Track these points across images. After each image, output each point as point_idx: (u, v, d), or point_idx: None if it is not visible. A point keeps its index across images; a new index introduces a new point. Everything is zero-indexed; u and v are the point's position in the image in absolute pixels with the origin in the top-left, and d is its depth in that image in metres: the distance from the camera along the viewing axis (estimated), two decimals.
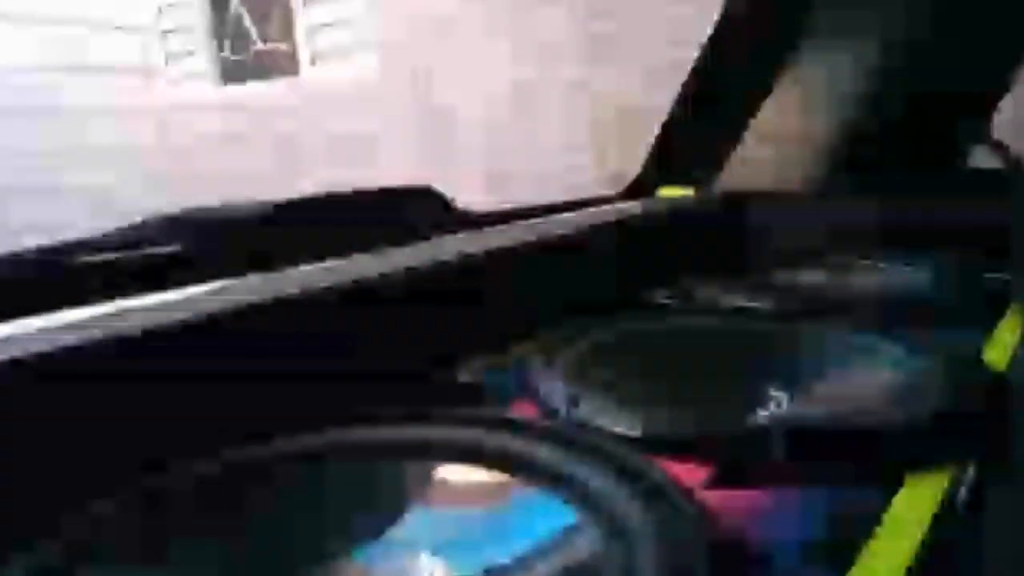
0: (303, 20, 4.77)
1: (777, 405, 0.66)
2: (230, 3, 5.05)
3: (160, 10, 5.26)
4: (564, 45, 3.81)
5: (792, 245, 1.22)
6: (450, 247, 0.84)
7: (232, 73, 5.13)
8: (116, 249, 0.68)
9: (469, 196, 1.08)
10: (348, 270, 0.72)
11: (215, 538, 0.47)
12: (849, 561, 0.41)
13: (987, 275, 0.95)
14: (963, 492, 0.48)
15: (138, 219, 0.76)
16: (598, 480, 0.46)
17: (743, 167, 1.38)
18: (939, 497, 0.47)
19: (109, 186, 4.51)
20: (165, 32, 5.27)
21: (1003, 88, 1.35)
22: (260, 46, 5.01)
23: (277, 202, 0.82)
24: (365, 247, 0.79)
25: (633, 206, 1.27)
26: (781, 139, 1.39)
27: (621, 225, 1.11)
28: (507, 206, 1.14)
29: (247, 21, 5.03)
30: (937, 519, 0.45)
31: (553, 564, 0.44)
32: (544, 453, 0.49)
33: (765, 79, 1.36)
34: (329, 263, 0.74)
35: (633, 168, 1.40)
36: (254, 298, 0.62)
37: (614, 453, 0.48)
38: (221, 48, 5.16)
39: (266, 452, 0.52)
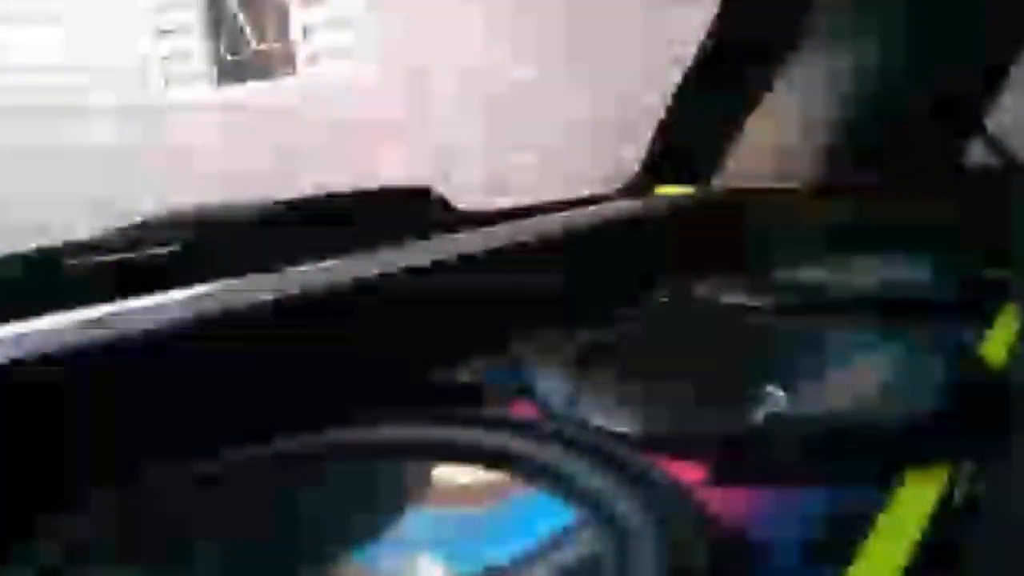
0: (299, 20, 4.77)
1: (776, 403, 0.66)
2: (226, 3, 5.05)
3: (156, 10, 5.26)
4: (564, 43, 3.81)
5: (791, 243, 1.22)
6: (449, 247, 0.84)
7: (229, 73, 5.13)
8: (116, 249, 0.68)
9: (468, 196, 1.08)
10: (348, 270, 0.72)
11: (215, 538, 0.47)
12: (848, 560, 0.41)
13: (987, 273, 0.96)
14: (960, 491, 0.48)
15: (138, 219, 0.76)
16: (598, 480, 0.46)
17: (741, 165, 1.38)
18: (937, 496, 0.47)
19: (109, 186, 4.51)
20: (162, 32, 5.27)
21: (1000, 84, 1.35)
22: (257, 46, 5.01)
23: (277, 202, 0.82)
24: (365, 247, 0.79)
25: (632, 204, 1.27)
26: (780, 137, 1.39)
27: (620, 224, 1.11)
28: (506, 206, 1.14)
29: (243, 21, 5.03)
30: (935, 518, 0.45)
31: (553, 564, 0.44)
32: (544, 453, 0.49)
33: (763, 76, 1.36)
34: (329, 263, 0.74)
35: (631, 166, 1.40)
36: (254, 298, 0.62)
37: (614, 452, 0.48)
38: (218, 48, 5.15)
39: (266, 452, 0.52)
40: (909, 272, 1.02)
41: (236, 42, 5.07)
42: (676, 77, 1.35)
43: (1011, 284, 0.88)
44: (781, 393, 0.67)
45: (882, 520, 0.44)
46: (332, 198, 0.90)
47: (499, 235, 0.93)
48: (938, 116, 1.32)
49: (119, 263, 0.68)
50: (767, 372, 0.69)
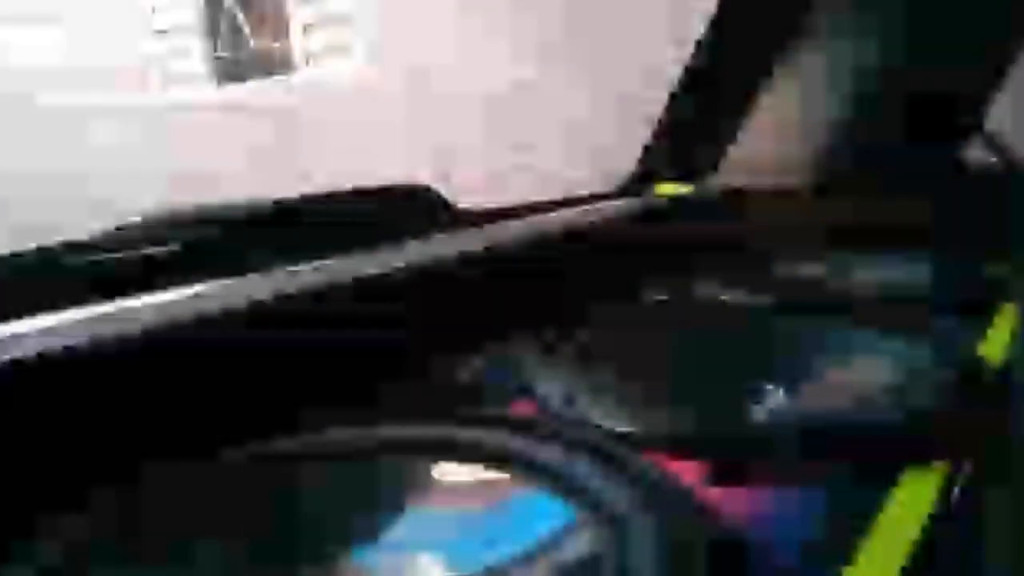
0: (297, 18, 4.76)
1: (775, 402, 0.66)
2: (224, 2, 5.05)
3: (154, 10, 5.26)
4: (562, 42, 3.81)
5: (790, 241, 1.22)
6: (448, 246, 0.84)
7: (227, 72, 5.13)
8: (116, 249, 0.68)
9: (468, 195, 1.08)
10: (348, 270, 0.72)
11: (215, 538, 0.47)
12: (848, 560, 0.41)
13: (986, 272, 0.96)
14: (958, 490, 0.48)
15: (137, 219, 0.76)
16: (597, 479, 0.46)
17: (741, 164, 1.38)
18: (936, 496, 0.47)
19: (109, 186, 4.50)
20: (159, 32, 5.27)
21: (1000, 84, 1.35)
22: (254, 45, 5.00)
23: (276, 202, 0.82)
24: (365, 247, 0.79)
25: (631, 203, 1.27)
26: (778, 135, 1.39)
27: (618, 222, 1.11)
28: (505, 205, 1.14)
29: (241, 20, 5.02)
30: (934, 518, 0.45)
31: (552, 563, 0.44)
32: (543, 452, 0.49)
33: (762, 75, 1.36)
34: (329, 263, 0.74)
35: (630, 165, 1.40)
36: (254, 298, 0.62)
37: (613, 452, 0.48)
38: (215, 47, 5.15)
39: (266, 452, 0.52)
40: (909, 272, 1.02)
41: (235, 41, 5.07)
42: (676, 76, 1.35)
43: (1010, 284, 0.89)
44: (781, 393, 0.67)
45: (882, 520, 0.44)
46: (332, 198, 0.90)
47: (499, 235, 0.93)
48: (938, 116, 1.32)
49: (119, 263, 0.68)
50: (767, 372, 0.69)
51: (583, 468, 0.47)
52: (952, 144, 1.37)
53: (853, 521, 0.44)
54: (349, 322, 0.67)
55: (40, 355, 0.49)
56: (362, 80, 4.46)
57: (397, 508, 0.50)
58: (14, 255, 0.66)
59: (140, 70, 5.21)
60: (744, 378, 0.69)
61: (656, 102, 1.38)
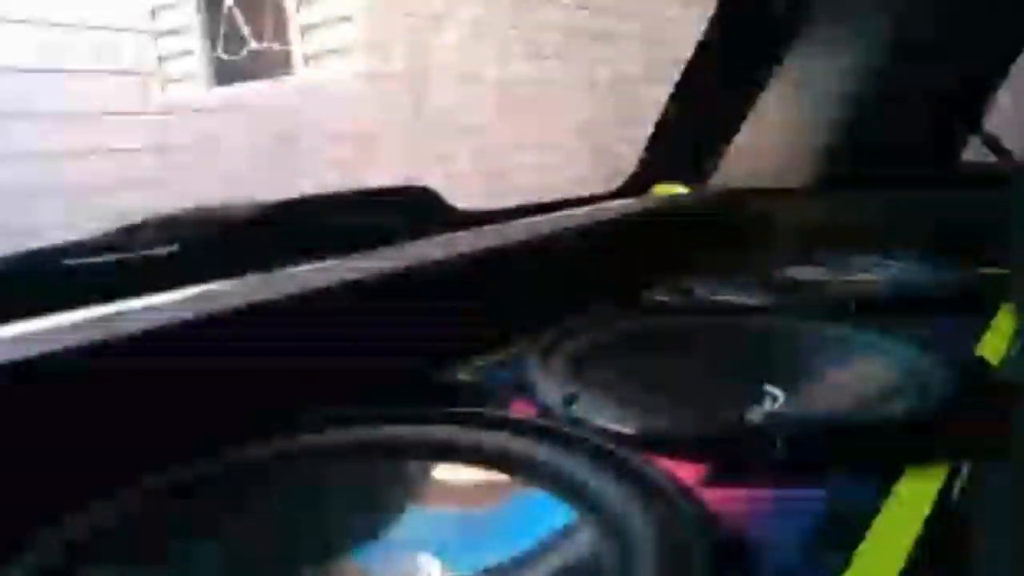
0: (297, 20, 4.77)
1: (775, 402, 0.66)
2: (223, 4, 5.05)
3: (154, 12, 5.26)
4: (560, 42, 3.81)
5: (790, 242, 1.22)
6: (447, 247, 0.84)
7: (226, 74, 5.13)
8: (116, 249, 0.68)
9: (466, 195, 1.08)
10: (347, 270, 0.72)
11: (215, 538, 0.47)
12: (847, 560, 0.41)
13: (985, 272, 0.96)
14: (959, 491, 0.48)
15: (138, 219, 0.75)
16: (597, 479, 0.46)
17: (741, 165, 1.38)
18: (936, 496, 0.47)
19: (109, 186, 4.50)
20: (159, 33, 5.27)
21: (997, 82, 1.35)
22: (254, 46, 5.00)
23: (276, 202, 0.82)
24: (364, 247, 0.79)
25: (630, 203, 1.27)
26: (777, 136, 1.39)
27: (618, 223, 1.11)
28: (504, 205, 1.14)
29: (241, 21, 5.02)
30: (934, 518, 0.45)
31: (552, 564, 0.44)
32: (543, 453, 0.49)
33: (761, 75, 1.36)
34: (328, 263, 0.74)
35: (629, 165, 1.40)
36: (253, 298, 0.62)
37: (613, 452, 0.48)
38: (215, 49, 5.15)
39: (266, 452, 0.52)
40: (909, 272, 1.02)
41: (233, 43, 5.07)
42: (675, 76, 1.35)
43: (1009, 284, 0.88)
44: (781, 393, 0.67)
45: (881, 520, 0.44)
46: (331, 198, 0.90)
47: (499, 235, 0.93)
48: (937, 116, 1.32)
49: (119, 263, 0.68)
50: (767, 371, 0.69)
51: (583, 468, 0.47)
52: (951, 144, 1.37)
53: (853, 521, 0.44)
54: (348, 322, 0.67)
55: (40, 355, 0.49)
56: (362, 80, 4.46)
57: (397, 508, 0.50)
58: (14, 255, 0.66)
59: (140, 71, 5.21)
60: (745, 379, 0.69)
61: (656, 102, 1.38)
